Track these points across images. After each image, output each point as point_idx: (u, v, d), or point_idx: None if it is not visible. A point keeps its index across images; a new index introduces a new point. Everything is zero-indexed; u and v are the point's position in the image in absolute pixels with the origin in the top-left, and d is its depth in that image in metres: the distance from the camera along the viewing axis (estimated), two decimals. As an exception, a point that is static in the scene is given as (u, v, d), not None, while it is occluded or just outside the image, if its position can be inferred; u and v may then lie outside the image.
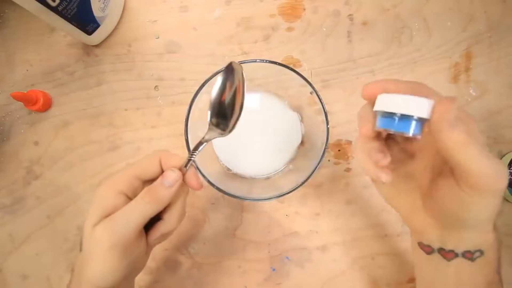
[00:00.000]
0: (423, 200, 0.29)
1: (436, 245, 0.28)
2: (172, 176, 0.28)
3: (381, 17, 0.46)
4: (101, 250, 0.26)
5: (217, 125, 0.32)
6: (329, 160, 0.44)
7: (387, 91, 0.25)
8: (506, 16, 0.46)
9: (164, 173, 0.28)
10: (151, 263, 0.42)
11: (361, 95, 0.26)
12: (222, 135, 0.31)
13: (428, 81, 0.45)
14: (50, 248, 0.43)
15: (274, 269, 0.42)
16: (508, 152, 0.44)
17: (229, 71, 0.32)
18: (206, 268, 0.42)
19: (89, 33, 0.42)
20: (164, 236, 0.30)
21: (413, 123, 0.24)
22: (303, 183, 0.36)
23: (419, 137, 0.24)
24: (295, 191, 0.36)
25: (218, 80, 0.32)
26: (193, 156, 0.30)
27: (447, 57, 0.45)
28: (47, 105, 0.44)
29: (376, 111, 0.25)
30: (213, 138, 0.31)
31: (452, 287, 0.29)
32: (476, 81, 0.45)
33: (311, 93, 0.37)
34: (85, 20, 0.40)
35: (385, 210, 0.43)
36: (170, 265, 0.42)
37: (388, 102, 0.24)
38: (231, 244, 0.42)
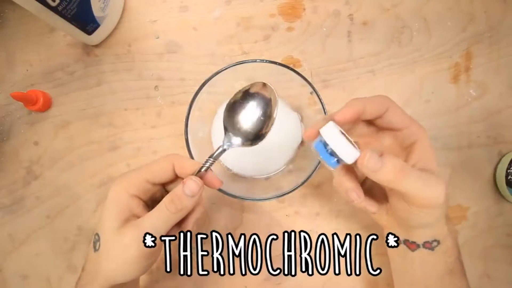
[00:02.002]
0: (385, 207, 0.33)
1: (401, 237, 0.33)
2: (194, 186, 0.28)
3: (381, 17, 0.46)
4: (129, 256, 0.27)
5: (244, 136, 0.33)
6: (329, 160, 0.44)
7: (356, 111, 0.28)
8: (506, 16, 0.46)
9: (185, 182, 0.28)
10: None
11: (334, 118, 0.29)
12: (244, 145, 0.32)
13: (428, 81, 0.45)
14: (50, 248, 0.43)
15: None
16: (508, 152, 0.44)
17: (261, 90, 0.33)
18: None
19: (89, 33, 0.42)
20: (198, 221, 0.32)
21: (335, 161, 0.28)
22: (303, 183, 0.36)
23: (333, 169, 0.29)
24: (295, 191, 0.36)
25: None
26: (210, 161, 0.30)
27: (447, 57, 0.45)
28: (47, 105, 0.44)
29: (320, 132, 0.28)
30: (235, 147, 0.32)
31: (419, 275, 0.33)
32: (476, 81, 0.45)
33: (311, 93, 0.37)
34: (85, 20, 0.40)
35: (385, 210, 0.43)
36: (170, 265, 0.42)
37: (329, 134, 0.28)
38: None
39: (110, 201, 0.29)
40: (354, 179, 0.31)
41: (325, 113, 0.36)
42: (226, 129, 0.32)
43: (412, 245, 0.32)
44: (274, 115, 0.32)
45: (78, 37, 0.42)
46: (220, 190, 0.36)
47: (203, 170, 0.30)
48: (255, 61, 0.37)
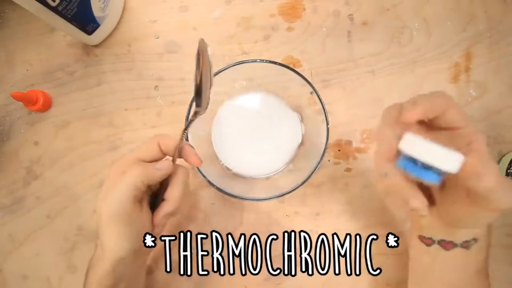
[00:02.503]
0: (430, 207, 0.29)
1: (437, 237, 0.31)
2: (164, 163, 0.31)
3: (381, 17, 0.46)
4: (103, 222, 0.30)
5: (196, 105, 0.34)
6: (329, 160, 0.44)
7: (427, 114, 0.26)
8: (506, 16, 0.46)
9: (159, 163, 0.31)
10: (151, 263, 0.42)
11: (402, 119, 0.26)
12: (199, 113, 0.33)
13: (428, 81, 0.45)
14: (50, 248, 0.43)
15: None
16: (508, 152, 0.44)
17: (199, 51, 0.33)
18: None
19: (89, 33, 0.42)
20: (168, 216, 0.33)
21: (436, 175, 0.23)
22: (303, 183, 0.36)
23: (437, 184, 0.24)
24: (295, 191, 0.36)
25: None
26: (185, 132, 0.32)
27: (447, 57, 0.45)
28: (47, 105, 0.44)
29: (400, 148, 0.24)
30: (194, 116, 0.33)
31: (447, 275, 0.32)
32: (476, 81, 0.45)
33: (311, 93, 0.37)
34: (85, 20, 0.40)
35: (385, 210, 0.43)
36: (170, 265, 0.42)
37: (415, 146, 0.23)
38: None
39: (104, 184, 0.31)
40: (414, 184, 0.26)
41: (325, 113, 0.36)
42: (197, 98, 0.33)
43: (448, 245, 0.31)
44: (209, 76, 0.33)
45: (78, 37, 0.42)
46: (220, 190, 0.36)
47: (181, 142, 0.32)
48: (255, 61, 0.37)
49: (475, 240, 0.30)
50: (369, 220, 0.43)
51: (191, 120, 0.33)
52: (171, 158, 0.32)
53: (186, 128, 0.33)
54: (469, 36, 0.46)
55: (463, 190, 0.26)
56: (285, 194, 0.36)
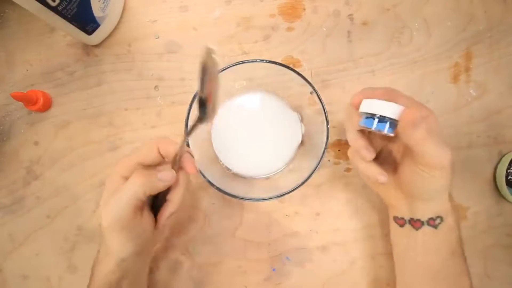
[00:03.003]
0: (394, 179, 0.35)
1: (407, 216, 0.35)
2: (167, 175, 0.31)
3: (381, 17, 0.46)
4: (105, 228, 0.30)
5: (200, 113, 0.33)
6: (329, 160, 0.44)
7: (368, 97, 0.31)
8: (506, 16, 0.46)
9: (161, 170, 0.31)
10: (152, 263, 0.42)
11: (350, 102, 0.33)
12: (201, 122, 0.32)
13: (428, 81, 0.45)
14: (50, 248, 0.43)
15: (274, 269, 0.42)
16: (508, 152, 0.44)
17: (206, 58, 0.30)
18: (206, 268, 0.42)
19: (89, 33, 0.42)
20: (172, 215, 0.33)
21: (387, 124, 0.30)
22: (303, 183, 0.36)
23: (392, 135, 0.31)
24: (295, 191, 0.36)
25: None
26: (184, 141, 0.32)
27: (447, 57, 0.45)
28: (47, 105, 0.44)
29: (360, 112, 0.32)
30: (196, 125, 0.32)
31: (420, 254, 0.35)
32: (476, 81, 0.45)
33: (311, 93, 0.37)
34: (85, 20, 0.40)
35: (385, 210, 0.43)
36: (170, 265, 0.42)
37: (369, 106, 0.31)
38: (231, 244, 0.42)
39: (105, 187, 0.32)
40: (368, 141, 0.34)
41: (325, 113, 0.36)
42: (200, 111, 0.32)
43: (416, 223, 0.34)
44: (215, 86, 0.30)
45: (78, 37, 0.42)
46: (220, 190, 0.36)
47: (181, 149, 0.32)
48: (255, 61, 0.37)
49: (440, 218, 0.33)
50: (369, 220, 0.43)
51: (193, 126, 0.32)
52: (173, 171, 0.31)
53: (187, 135, 0.32)
54: (469, 36, 0.46)
55: (410, 152, 0.31)
56: (285, 194, 0.36)
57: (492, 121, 0.44)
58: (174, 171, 0.32)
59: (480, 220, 0.43)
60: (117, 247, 0.31)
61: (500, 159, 0.44)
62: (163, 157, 0.32)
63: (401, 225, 0.36)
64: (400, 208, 0.36)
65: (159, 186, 0.31)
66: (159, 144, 0.32)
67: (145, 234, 0.32)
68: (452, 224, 0.34)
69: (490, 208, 0.43)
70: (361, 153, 0.33)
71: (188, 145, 0.35)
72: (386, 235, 0.42)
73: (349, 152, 0.36)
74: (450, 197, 0.34)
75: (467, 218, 0.43)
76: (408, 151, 0.32)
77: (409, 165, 0.32)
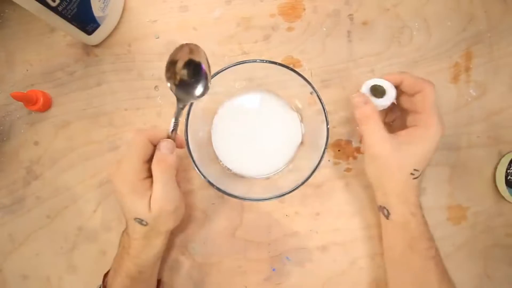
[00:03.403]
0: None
1: (377, 203, 0.39)
2: (167, 144, 0.33)
3: (381, 17, 0.46)
4: (117, 189, 0.33)
5: (186, 92, 0.35)
6: (329, 160, 0.44)
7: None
8: (506, 16, 0.46)
9: (159, 146, 0.33)
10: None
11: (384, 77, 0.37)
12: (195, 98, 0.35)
13: (428, 81, 0.45)
14: (50, 248, 0.43)
15: (274, 269, 0.42)
16: (508, 152, 0.44)
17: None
18: (206, 268, 0.42)
19: (89, 33, 0.42)
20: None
21: (385, 101, 0.36)
22: (303, 183, 0.36)
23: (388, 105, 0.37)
24: (295, 191, 0.36)
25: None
26: (173, 122, 0.34)
27: (447, 57, 0.45)
28: (47, 105, 0.44)
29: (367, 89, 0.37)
30: (192, 101, 0.35)
31: (385, 239, 0.39)
32: (476, 81, 0.45)
33: (311, 93, 0.37)
34: (85, 20, 0.40)
35: (385, 210, 0.43)
36: (170, 265, 0.42)
37: (369, 84, 0.37)
38: (231, 244, 0.42)
39: (115, 193, 0.33)
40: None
41: (325, 113, 0.36)
42: (176, 96, 0.35)
43: (378, 208, 0.38)
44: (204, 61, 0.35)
45: (78, 37, 0.42)
46: (220, 190, 0.36)
47: (171, 132, 0.34)
48: (255, 61, 0.37)
49: (386, 210, 0.37)
50: (369, 220, 0.43)
51: (181, 108, 0.34)
52: (167, 140, 0.34)
53: (175, 116, 0.34)
54: (469, 36, 0.46)
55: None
56: (285, 194, 0.36)
57: (492, 121, 0.44)
58: (169, 140, 0.34)
59: (480, 220, 0.43)
60: (130, 204, 0.33)
61: (500, 159, 0.44)
62: (154, 146, 0.34)
63: (380, 211, 0.39)
64: (375, 194, 0.39)
65: (174, 162, 0.33)
66: (146, 135, 0.33)
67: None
68: (402, 221, 0.36)
69: (490, 208, 0.43)
70: (353, 99, 0.37)
71: (189, 147, 0.36)
72: (386, 235, 0.43)
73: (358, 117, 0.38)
74: (405, 197, 0.36)
75: (467, 218, 0.43)
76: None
77: (364, 154, 0.38)
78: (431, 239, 0.36)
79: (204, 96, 0.35)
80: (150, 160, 0.34)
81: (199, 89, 0.35)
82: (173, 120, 0.34)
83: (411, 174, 0.35)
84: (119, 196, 0.33)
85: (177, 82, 0.34)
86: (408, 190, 0.36)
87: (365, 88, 0.37)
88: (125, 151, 0.34)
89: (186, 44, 0.34)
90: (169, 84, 0.34)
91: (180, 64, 0.34)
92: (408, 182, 0.35)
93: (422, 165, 0.35)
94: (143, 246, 0.35)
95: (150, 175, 0.34)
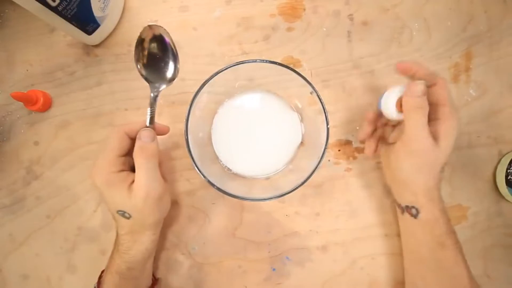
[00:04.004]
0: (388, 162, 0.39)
1: (397, 201, 0.39)
2: (147, 132, 0.33)
3: (381, 17, 0.46)
4: (98, 186, 0.33)
5: (155, 78, 0.36)
6: (329, 160, 0.44)
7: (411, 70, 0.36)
8: (506, 16, 0.46)
9: (140, 135, 0.33)
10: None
11: (396, 68, 0.37)
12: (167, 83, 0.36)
13: (428, 81, 0.45)
14: (50, 248, 0.43)
15: (274, 269, 0.42)
16: (508, 152, 0.44)
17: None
18: (206, 268, 0.42)
19: (89, 33, 0.42)
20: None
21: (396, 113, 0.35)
22: (303, 183, 0.36)
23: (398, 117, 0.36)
24: (295, 191, 0.36)
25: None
26: (149, 111, 0.34)
27: (447, 57, 0.45)
28: (47, 105, 0.44)
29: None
30: (162, 88, 0.36)
31: (409, 241, 0.39)
32: (476, 81, 0.45)
33: (311, 93, 0.37)
34: (85, 20, 0.40)
35: (385, 210, 0.43)
36: (170, 265, 0.42)
37: (383, 100, 0.37)
38: (231, 244, 0.42)
39: (97, 190, 0.33)
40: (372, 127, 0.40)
41: (325, 113, 0.36)
42: (147, 80, 0.36)
43: (399, 207, 0.38)
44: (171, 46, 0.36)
45: (78, 37, 0.42)
46: (220, 190, 0.36)
47: (149, 122, 0.34)
48: (255, 61, 0.37)
49: (415, 209, 0.36)
50: (369, 220, 0.43)
51: (156, 96, 0.35)
52: (147, 128, 0.34)
53: (150, 105, 0.34)
54: (469, 36, 0.46)
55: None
56: (285, 194, 0.36)
57: (492, 121, 0.44)
58: (149, 129, 0.34)
59: (480, 220, 0.43)
60: (111, 199, 0.34)
61: (500, 159, 0.44)
62: (132, 139, 0.34)
63: (398, 208, 0.39)
64: (393, 196, 0.40)
65: (155, 151, 0.33)
66: (124, 130, 0.34)
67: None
68: (431, 218, 0.35)
69: (490, 208, 0.43)
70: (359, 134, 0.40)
71: (189, 147, 0.36)
72: (386, 235, 0.43)
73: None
74: (430, 198, 0.35)
75: (467, 218, 0.43)
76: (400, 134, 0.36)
77: (397, 150, 0.36)
78: (454, 231, 0.36)
79: (175, 81, 0.36)
80: (128, 154, 0.34)
81: (170, 70, 0.36)
82: (148, 110, 0.34)
83: (441, 172, 0.35)
84: (100, 192, 0.34)
85: (145, 61, 0.35)
86: (435, 186, 0.35)
87: (393, 97, 0.35)
88: (102, 148, 0.34)
89: (149, 25, 0.35)
90: (138, 66, 0.35)
91: (145, 43, 0.35)
92: (437, 178, 0.35)
93: (447, 160, 0.35)
94: (131, 241, 0.35)
95: (126, 168, 0.34)
